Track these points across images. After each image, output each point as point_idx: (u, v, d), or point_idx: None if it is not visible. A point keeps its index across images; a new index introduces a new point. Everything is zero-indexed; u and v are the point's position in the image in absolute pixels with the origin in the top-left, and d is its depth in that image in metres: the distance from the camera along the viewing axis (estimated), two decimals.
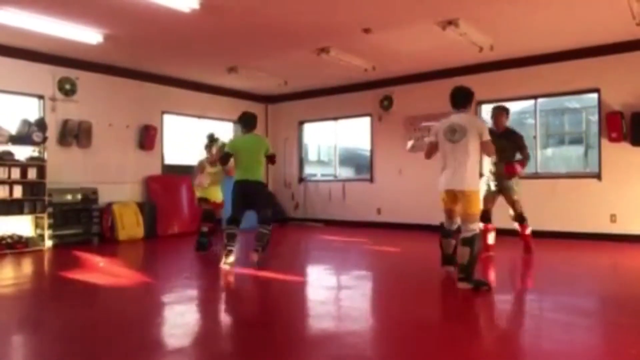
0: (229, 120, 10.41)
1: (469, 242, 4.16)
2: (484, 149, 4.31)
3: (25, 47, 7.01)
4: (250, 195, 5.36)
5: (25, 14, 5.63)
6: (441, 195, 4.46)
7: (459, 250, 4.29)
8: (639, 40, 6.76)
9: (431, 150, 4.59)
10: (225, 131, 10.43)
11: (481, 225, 5.23)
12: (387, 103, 9.30)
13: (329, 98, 10.12)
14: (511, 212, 5.66)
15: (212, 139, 6.63)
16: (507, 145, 5.40)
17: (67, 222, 7.23)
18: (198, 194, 6.58)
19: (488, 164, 5.58)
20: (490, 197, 5.61)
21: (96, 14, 5.72)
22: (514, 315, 3.80)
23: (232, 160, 5.56)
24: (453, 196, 4.35)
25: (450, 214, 4.54)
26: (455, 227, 4.55)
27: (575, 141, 10.64)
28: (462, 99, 4.42)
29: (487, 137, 4.26)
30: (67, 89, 7.58)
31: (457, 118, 4.35)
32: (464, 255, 4.17)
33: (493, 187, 5.60)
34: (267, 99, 10.98)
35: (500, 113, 5.59)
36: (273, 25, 6.15)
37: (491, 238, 5.72)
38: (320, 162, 11.61)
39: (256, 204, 5.43)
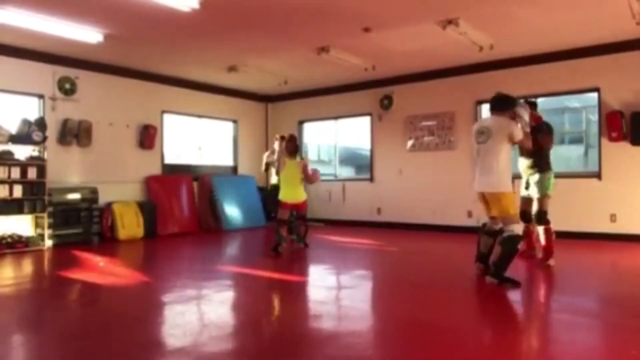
0: (229, 119, 10.42)
1: (503, 241, 4.27)
2: (520, 146, 4.36)
3: (25, 47, 7.00)
4: None
5: (26, 13, 5.62)
6: (478, 196, 4.60)
7: (495, 247, 4.40)
8: (639, 39, 6.76)
9: None
10: (226, 131, 10.45)
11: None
12: (387, 102, 9.30)
13: (329, 97, 10.12)
14: None
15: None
16: None
17: (67, 222, 7.23)
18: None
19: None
20: None
21: (96, 13, 5.72)
22: (514, 315, 3.80)
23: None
24: (483, 198, 4.50)
25: (488, 214, 4.64)
26: (497, 227, 4.57)
27: (575, 140, 10.61)
28: (496, 103, 4.49)
29: (519, 137, 4.31)
30: (67, 88, 7.58)
31: (487, 121, 4.50)
32: (497, 253, 4.31)
33: None
34: (267, 98, 10.98)
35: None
36: (273, 25, 6.15)
37: None
38: (320, 162, 11.60)
39: None
